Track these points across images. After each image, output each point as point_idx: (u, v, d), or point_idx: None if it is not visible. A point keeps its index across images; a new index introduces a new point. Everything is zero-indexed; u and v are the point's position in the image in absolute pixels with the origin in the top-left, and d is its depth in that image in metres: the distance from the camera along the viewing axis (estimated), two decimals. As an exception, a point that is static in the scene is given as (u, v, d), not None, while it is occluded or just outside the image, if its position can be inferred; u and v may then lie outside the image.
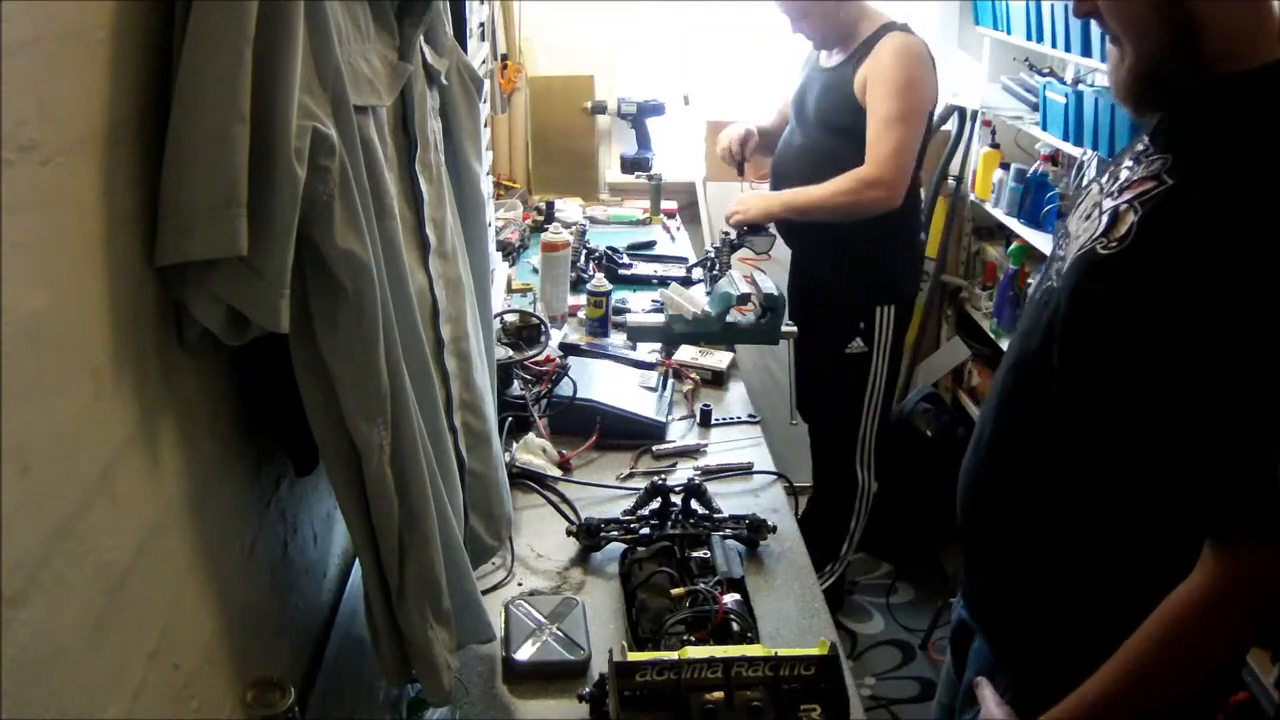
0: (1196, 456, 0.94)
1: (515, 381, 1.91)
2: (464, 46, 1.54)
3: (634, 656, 1.10)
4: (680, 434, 1.93)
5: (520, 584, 1.48)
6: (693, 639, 1.26)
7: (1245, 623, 0.94)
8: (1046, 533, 1.11)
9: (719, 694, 1.06)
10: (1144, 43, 0.98)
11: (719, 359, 2.17)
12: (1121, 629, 0.99)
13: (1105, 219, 1.01)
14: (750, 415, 2.02)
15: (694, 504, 1.58)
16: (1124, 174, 1.04)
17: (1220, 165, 0.93)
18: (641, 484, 1.65)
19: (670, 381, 2.07)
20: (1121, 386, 0.99)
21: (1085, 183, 1.21)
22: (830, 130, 2.40)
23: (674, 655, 1.11)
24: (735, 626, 1.28)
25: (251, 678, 0.88)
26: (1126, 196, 1.00)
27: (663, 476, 1.65)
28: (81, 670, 0.70)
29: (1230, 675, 1.11)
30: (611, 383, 1.99)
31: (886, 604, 3.05)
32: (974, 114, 3.21)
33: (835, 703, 1.08)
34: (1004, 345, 3.01)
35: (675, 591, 1.35)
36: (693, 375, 2.12)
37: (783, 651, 1.11)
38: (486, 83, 2.37)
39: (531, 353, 1.98)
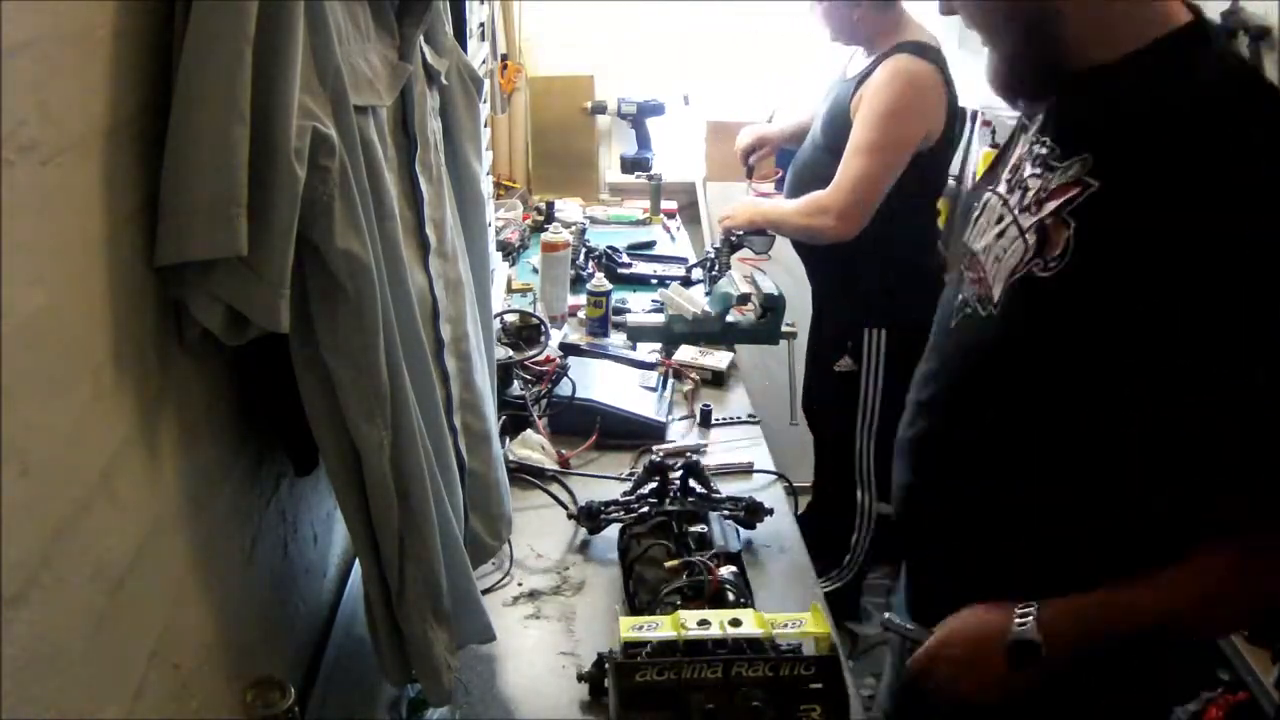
0: (1191, 452, 0.92)
1: (515, 381, 1.91)
2: (464, 46, 1.55)
3: (626, 622, 1.12)
4: (680, 434, 1.93)
5: (520, 584, 1.48)
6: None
7: (1254, 604, 0.99)
8: (1001, 541, 1.09)
9: (719, 694, 1.06)
10: (1002, 39, 0.98)
11: (719, 359, 2.17)
12: None
13: (1034, 237, 0.95)
14: (750, 415, 2.02)
15: (692, 483, 1.58)
16: (1033, 183, 0.99)
17: (1146, 164, 0.88)
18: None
19: (670, 381, 2.07)
20: (1089, 397, 0.96)
21: (971, 188, 1.17)
22: (824, 146, 2.32)
23: (666, 620, 1.13)
24: (731, 596, 1.28)
25: (251, 678, 0.88)
26: (1051, 207, 0.94)
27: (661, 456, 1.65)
28: (81, 670, 0.70)
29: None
30: (611, 383, 1.99)
31: (887, 604, 3.04)
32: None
33: (835, 703, 1.08)
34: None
35: (669, 564, 1.35)
36: (693, 375, 2.12)
37: (779, 626, 1.13)
38: (486, 83, 2.37)
39: (531, 353, 1.98)
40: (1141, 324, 0.88)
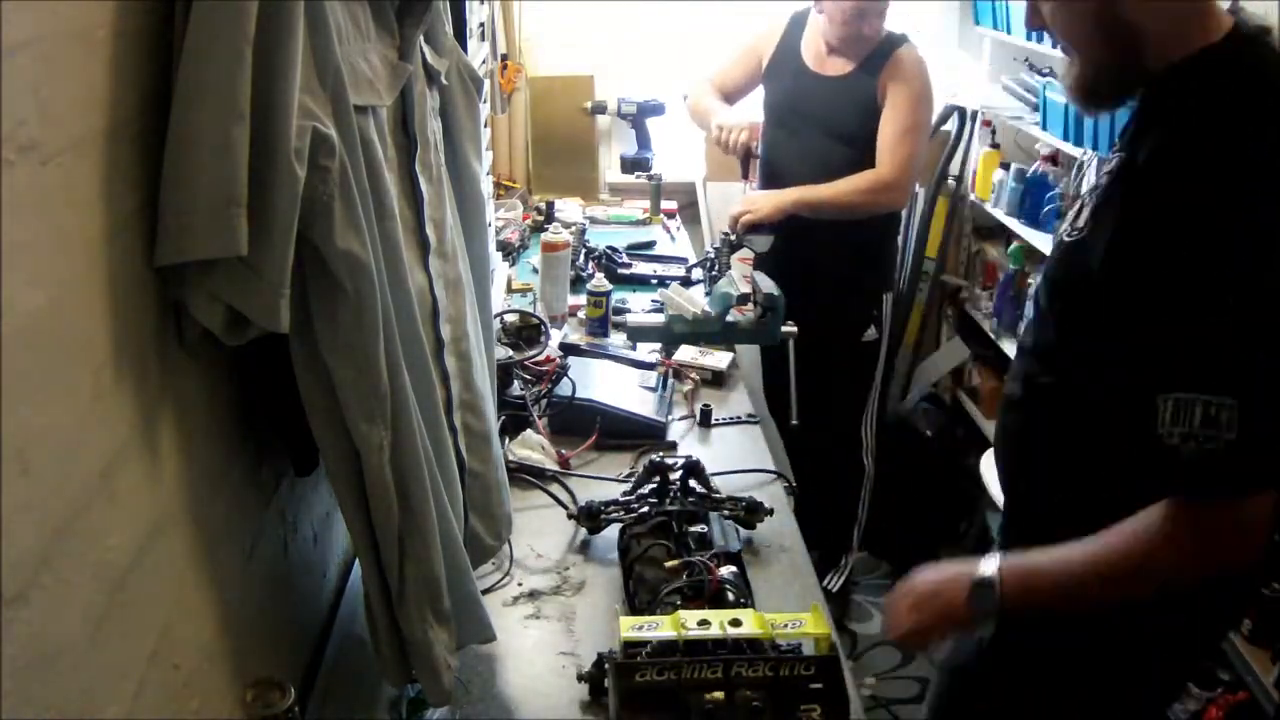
0: (1149, 414, 0.99)
1: (515, 381, 1.91)
2: (464, 46, 1.55)
3: (626, 622, 1.12)
4: (680, 434, 1.93)
5: (520, 584, 1.48)
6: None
7: (1187, 569, 1.02)
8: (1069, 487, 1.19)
9: (719, 694, 1.06)
10: (1090, 51, 1.07)
11: (719, 359, 2.17)
12: None
13: (1074, 215, 1.14)
14: (750, 415, 2.02)
15: (692, 483, 1.58)
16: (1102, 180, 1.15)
17: (1150, 147, 1.01)
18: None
19: (670, 381, 2.07)
20: (1099, 351, 1.09)
21: (1085, 189, 1.29)
22: (844, 138, 2.47)
23: (666, 620, 1.13)
24: (731, 596, 1.28)
25: (251, 678, 0.88)
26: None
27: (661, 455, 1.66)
28: (81, 670, 0.70)
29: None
30: (611, 383, 1.99)
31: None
32: (974, 114, 3.21)
33: (835, 703, 1.08)
34: (1004, 346, 3.02)
35: (669, 564, 1.35)
36: (693, 375, 2.12)
37: (779, 626, 1.14)
38: (486, 83, 2.37)
39: (531, 353, 1.98)
40: (1120, 283, 1.02)
